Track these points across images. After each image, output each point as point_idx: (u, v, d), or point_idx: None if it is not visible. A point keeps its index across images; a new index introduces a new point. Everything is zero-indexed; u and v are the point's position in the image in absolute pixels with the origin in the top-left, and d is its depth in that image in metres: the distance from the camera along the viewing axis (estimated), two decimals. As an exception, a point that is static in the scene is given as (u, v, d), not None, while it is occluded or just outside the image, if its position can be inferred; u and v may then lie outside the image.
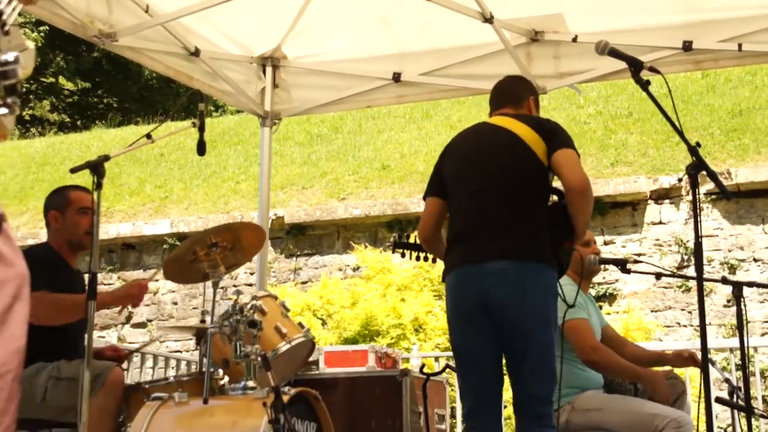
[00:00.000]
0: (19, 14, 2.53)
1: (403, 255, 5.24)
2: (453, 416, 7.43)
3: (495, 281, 4.28)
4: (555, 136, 4.48)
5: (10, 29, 2.42)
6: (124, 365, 7.29)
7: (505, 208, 4.41)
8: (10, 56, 2.32)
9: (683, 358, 5.35)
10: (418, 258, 5.17)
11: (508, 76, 5.10)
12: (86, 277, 4.75)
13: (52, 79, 26.07)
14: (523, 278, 4.29)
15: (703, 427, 4.27)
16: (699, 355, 5.29)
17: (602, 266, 4.91)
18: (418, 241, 5.03)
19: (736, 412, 5.36)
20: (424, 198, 4.78)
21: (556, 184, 4.52)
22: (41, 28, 23.34)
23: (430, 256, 5.04)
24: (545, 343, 4.32)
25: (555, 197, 4.60)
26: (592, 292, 5.28)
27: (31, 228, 13.27)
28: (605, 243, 10.26)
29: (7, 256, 2.31)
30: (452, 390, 7.31)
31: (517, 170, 4.47)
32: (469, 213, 4.49)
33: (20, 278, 2.33)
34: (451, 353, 8.20)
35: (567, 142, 4.47)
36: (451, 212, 4.62)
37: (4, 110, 2.25)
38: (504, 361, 4.44)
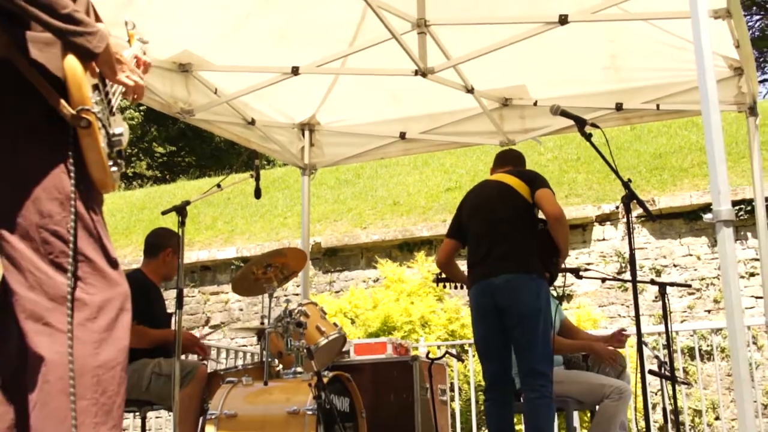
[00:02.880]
0: (124, 98, 2.57)
1: (445, 286, 5.33)
2: (452, 390, 7.37)
3: (500, 289, 4.50)
4: (534, 181, 4.69)
5: (116, 111, 2.46)
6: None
7: (503, 239, 4.61)
8: (118, 129, 2.40)
9: (614, 337, 5.33)
10: (455, 287, 5.27)
11: (511, 149, 5.36)
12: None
13: (147, 145, 26.21)
14: (519, 285, 4.48)
15: (639, 392, 4.22)
16: (626, 334, 5.33)
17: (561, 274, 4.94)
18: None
19: (664, 380, 5.30)
20: (445, 238, 5.03)
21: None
22: (141, 108, 23.52)
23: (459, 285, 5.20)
24: (539, 330, 4.44)
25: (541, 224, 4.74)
26: (554, 293, 5.30)
27: (135, 257, 13.25)
28: (562, 256, 10.21)
29: (115, 278, 2.34)
30: (451, 370, 7.25)
31: (510, 209, 4.67)
32: (480, 247, 4.71)
33: (124, 296, 2.34)
34: (449, 342, 8.23)
35: (544, 184, 4.66)
36: (469, 246, 4.85)
37: (115, 168, 2.38)
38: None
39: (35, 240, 2.21)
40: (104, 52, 2.30)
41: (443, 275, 5.24)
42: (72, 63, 2.23)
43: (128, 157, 25.07)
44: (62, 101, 2.23)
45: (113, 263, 2.36)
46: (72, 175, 2.25)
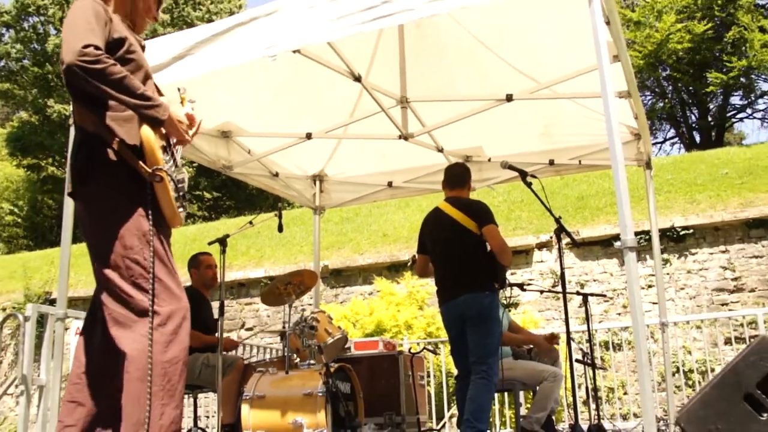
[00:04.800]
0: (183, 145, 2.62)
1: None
2: (429, 377, 7.31)
3: (463, 306, 4.36)
4: (480, 216, 4.46)
5: (179, 164, 2.55)
6: (241, 352, 7.20)
7: (457, 267, 4.46)
8: (181, 177, 2.50)
9: (549, 337, 5.30)
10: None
11: (456, 164, 5.07)
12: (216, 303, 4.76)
13: (198, 192, 26.18)
14: (476, 301, 4.34)
15: (568, 375, 4.20)
16: (558, 334, 5.31)
17: (509, 287, 4.92)
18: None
19: (586, 366, 5.28)
20: (417, 254, 4.84)
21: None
22: (193, 164, 23.51)
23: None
24: (488, 333, 4.32)
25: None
26: (504, 302, 5.30)
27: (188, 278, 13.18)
28: (512, 274, 10.18)
29: (178, 293, 2.39)
30: (427, 362, 7.19)
31: (458, 242, 4.48)
32: (443, 275, 4.58)
33: (186, 308, 2.40)
34: (426, 340, 8.17)
35: (489, 219, 4.45)
36: (435, 274, 4.67)
37: (182, 209, 2.48)
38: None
39: (121, 267, 2.28)
40: (169, 118, 2.40)
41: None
42: (147, 133, 2.33)
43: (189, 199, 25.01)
44: (140, 163, 2.33)
45: (177, 281, 2.41)
46: (150, 218, 2.33)
